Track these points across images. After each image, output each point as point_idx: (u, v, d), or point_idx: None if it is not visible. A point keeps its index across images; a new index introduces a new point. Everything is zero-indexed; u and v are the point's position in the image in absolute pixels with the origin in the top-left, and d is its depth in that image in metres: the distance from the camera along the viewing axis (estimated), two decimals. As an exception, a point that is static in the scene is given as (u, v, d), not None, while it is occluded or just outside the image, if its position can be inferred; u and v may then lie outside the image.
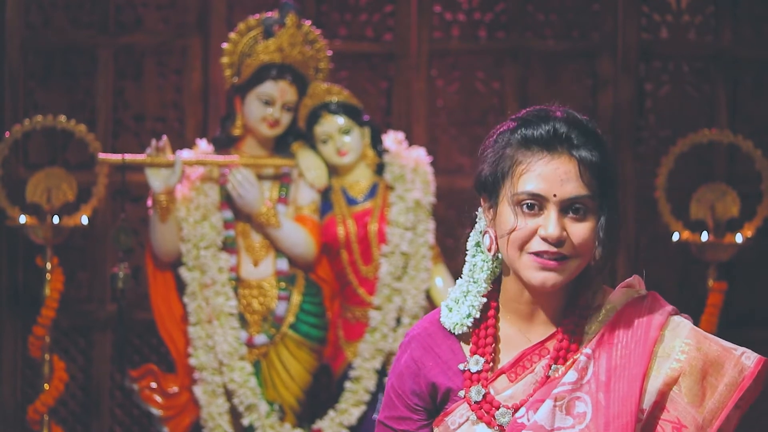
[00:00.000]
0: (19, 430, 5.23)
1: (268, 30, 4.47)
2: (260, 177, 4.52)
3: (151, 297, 4.57)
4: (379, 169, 4.58)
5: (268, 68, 4.44)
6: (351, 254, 4.55)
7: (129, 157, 4.48)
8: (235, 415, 4.47)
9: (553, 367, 1.98)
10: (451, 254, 5.02)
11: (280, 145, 4.56)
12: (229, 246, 4.49)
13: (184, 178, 4.46)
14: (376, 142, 4.58)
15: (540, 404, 1.95)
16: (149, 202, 4.48)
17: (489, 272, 2.05)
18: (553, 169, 1.93)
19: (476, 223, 2.07)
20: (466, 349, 2.05)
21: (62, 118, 4.77)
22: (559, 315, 2.02)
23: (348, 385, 4.51)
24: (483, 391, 2.00)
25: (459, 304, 2.06)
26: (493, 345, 2.03)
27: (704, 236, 4.84)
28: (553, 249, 1.92)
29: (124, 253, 4.44)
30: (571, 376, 1.95)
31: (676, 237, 4.88)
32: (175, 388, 4.55)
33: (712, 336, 2.00)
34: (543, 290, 1.96)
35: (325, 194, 4.57)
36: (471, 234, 2.07)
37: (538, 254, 1.93)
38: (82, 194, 4.86)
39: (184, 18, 5.37)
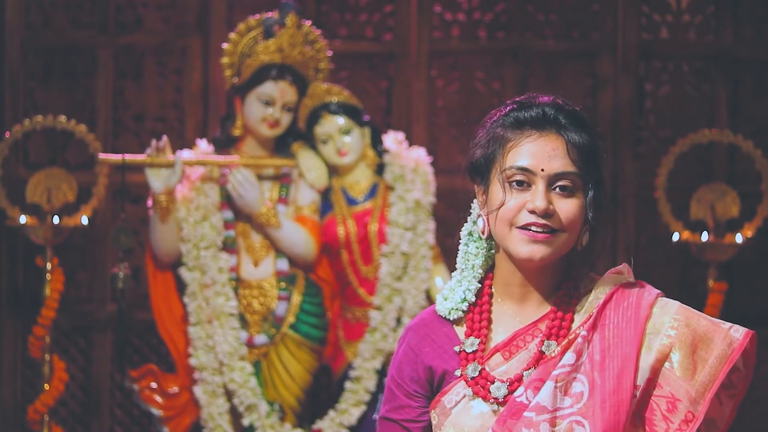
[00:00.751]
0: (19, 430, 5.23)
1: (268, 30, 4.47)
2: (260, 177, 4.52)
3: (151, 297, 4.57)
4: (379, 169, 4.58)
5: (268, 68, 4.44)
6: (351, 254, 4.55)
7: (129, 157, 4.48)
8: (235, 415, 4.47)
9: (546, 343, 2.04)
10: (451, 254, 4.98)
11: (280, 146, 4.56)
12: (229, 246, 4.49)
13: (184, 178, 4.46)
14: (376, 143, 4.58)
15: (540, 384, 1.99)
16: (149, 203, 4.48)
17: (483, 258, 2.12)
18: (542, 145, 2.02)
19: (471, 213, 2.14)
20: (461, 333, 2.10)
21: (62, 118, 4.77)
22: (551, 296, 2.08)
23: (348, 385, 4.51)
24: (479, 367, 2.05)
25: (454, 291, 2.13)
26: (488, 327, 2.09)
27: (704, 236, 4.84)
28: (541, 221, 1.99)
29: (124, 253, 4.44)
30: (570, 357, 2.00)
31: (676, 237, 4.88)
32: (175, 389, 4.56)
33: (700, 312, 2.05)
34: (531, 264, 2.03)
35: (326, 194, 4.57)
36: (465, 224, 2.15)
37: (526, 227, 2.00)
38: (82, 194, 4.86)
39: (184, 18, 5.37)
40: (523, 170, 2.01)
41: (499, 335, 2.08)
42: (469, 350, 2.07)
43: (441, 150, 5.37)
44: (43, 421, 4.71)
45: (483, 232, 2.09)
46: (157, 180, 4.39)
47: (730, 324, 2.03)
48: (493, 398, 2.02)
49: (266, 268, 4.53)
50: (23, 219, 4.72)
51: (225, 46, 4.53)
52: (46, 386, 4.69)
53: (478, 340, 2.07)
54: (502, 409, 2.01)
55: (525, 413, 1.98)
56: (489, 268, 2.13)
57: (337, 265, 4.58)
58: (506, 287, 2.09)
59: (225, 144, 4.56)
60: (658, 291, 2.07)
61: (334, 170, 4.58)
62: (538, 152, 2.01)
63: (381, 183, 4.58)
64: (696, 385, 1.98)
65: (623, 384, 1.96)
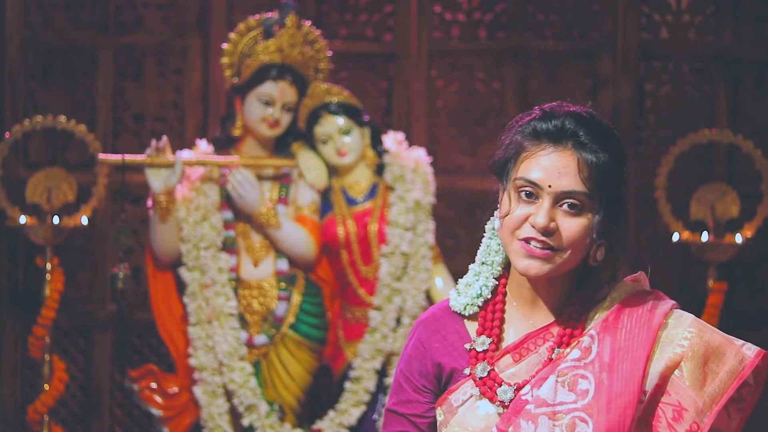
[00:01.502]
0: (19, 430, 5.23)
1: (268, 30, 4.47)
2: (260, 177, 4.52)
3: (151, 297, 4.57)
4: (379, 169, 4.58)
5: (268, 69, 4.44)
6: (351, 254, 4.55)
7: (129, 157, 4.48)
8: (235, 415, 4.47)
9: (557, 350, 2.02)
10: (451, 254, 5.02)
11: (280, 146, 4.56)
12: (229, 246, 4.49)
13: (184, 178, 4.45)
14: (376, 143, 4.58)
15: (543, 381, 1.99)
16: (149, 203, 4.48)
17: (503, 255, 2.10)
18: (554, 161, 1.99)
19: (498, 208, 2.12)
20: (473, 331, 2.09)
21: (62, 118, 4.77)
22: (562, 303, 2.07)
23: (348, 385, 4.51)
24: (488, 367, 2.04)
25: (469, 286, 2.12)
26: (500, 327, 2.08)
27: (704, 236, 4.84)
28: (540, 237, 1.97)
29: (124, 253, 4.44)
30: (575, 354, 2.00)
31: (676, 237, 4.88)
32: (175, 389, 4.55)
33: (714, 328, 2.04)
34: (528, 277, 2.02)
35: (325, 194, 4.57)
36: (491, 218, 2.13)
37: (526, 241, 1.99)
38: (82, 194, 4.86)
39: (184, 18, 5.37)
40: (531, 183, 1.99)
41: (510, 336, 2.07)
42: (479, 349, 2.06)
43: (441, 150, 5.37)
44: (43, 421, 4.71)
45: (497, 231, 2.08)
46: (157, 180, 4.39)
47: (743, 341, 2.02)
48: (500, 401, 2.01)
49: (266, 268, 4.53)
50: (23, 219, 4.72)
51: (225, 46, 4.53)
52: (46, 386, 4.69)
53: (489, 340, 2.06)
54: (507, 411, 2.01)
55: (526, 406, 1.98)
56: (505, 267, 2.12)
57: (337, 266, 4.58)
58: (519, 289, 2.08)
59: (225, 144, 4.56)
60: (674, 302, 2.06)
61: (333, 170, 4.58)
62: (549, 167, 1.98)
63: (381, 183, 4.58)
64: (704, 397, 1.98)
65: (631, 387, 1.96)
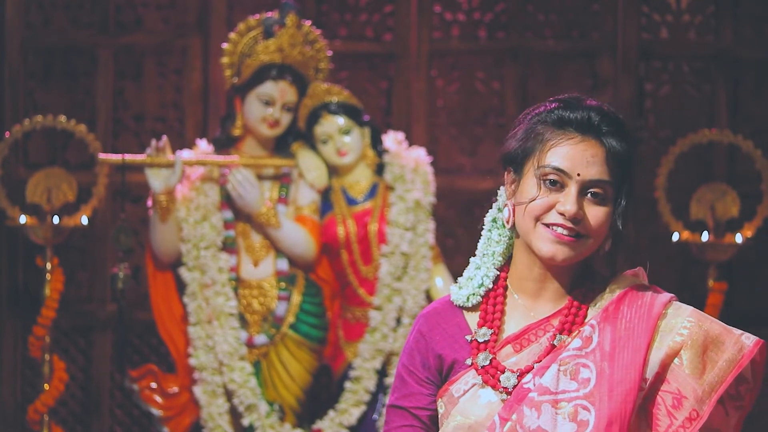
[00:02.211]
0: (19, 430, 5.23)
1: (268, 30, 4.47)
2: (260, 177, 4.52)
3: (151, 297, 4.57)
4: (379, 169, 4.58)
5: (268, 68, 4.44)
6: (351, 254, 4.55)
7: (129, 157, 4.48)
8: (235, 415, 4.47)
9: (558, 337, 2.04)
10: (451, 254, 5.02)
11: (280, 146, 4.56)
12: (229, 246, 4.49)
13: (184, 178, 4.45)
14: (376, 143, 4.58)
15: (545, 370, 2.01)
16: (149, 203, 4.48)
17: (504, 246, 2.13)
18: (582, 150, 2.02)
19: (497, 199, 2.14)
20: (473, 323, 2.11)
21: (62, 118, 4.77)
22: (566, 295, 2.09)
23: (348, 385, 4.51)
24: (490, 356, 2.06)
25: (470, 279, 2.13)
26: (500, 319, 2.10)
27: (704, 236, 4.84)
28: (568, 224, 2.01)
29: (124, 253, 4.44)
30: (576, 343, 2.02)
31: (676, 237, 4.88)
32: (175, 389, 4.55)
33: (713, 318, 2.06)
34: (552, 263, 2.04)
35: (325, 194, 4.57)
36: (489, 210, 2.14)
37: (552, 227, 2.01)
38: (82, 194, 4.86)
39: (184, 18, 5.37)
40: (559, 171, 2.01)
41: (510, 328, 2.09)
42: (480, 340, 2.08)
43: (441, 150, 5.37)
44: (43, 421, 4.71)
45: (507, 222, 2.09)
46: (157, 180, 4.39)
47: (742, 331, 2.04)
48: (503, 387, 2.03)
49: (266, 268, 4.53)
50: (23, 219, 4.72)
51: (225, 46, 4.53)
52: (46, 386, 4.69)
53: (490, 331, 2.08)
54: (510, 398, 2.02)
55: (529, 394, 2.00)
56: (506, 259, 2.14)
57: (337, 265, 4.58)
58: (521, 282, 2.10)
59: (225, 144, 4.56)
60: (672, 294, 2.08)
61: (334, 170, 4.58)
62: (576, 156, 2.02)
63: (381, 183, 4.58)
64: (704, 385, 1.99)
65: (631, 374, 1.97)
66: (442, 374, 2.10)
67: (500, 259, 2.13)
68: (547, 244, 2.02)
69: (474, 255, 2.16)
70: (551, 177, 2.02)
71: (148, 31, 5.37)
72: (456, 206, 5.36)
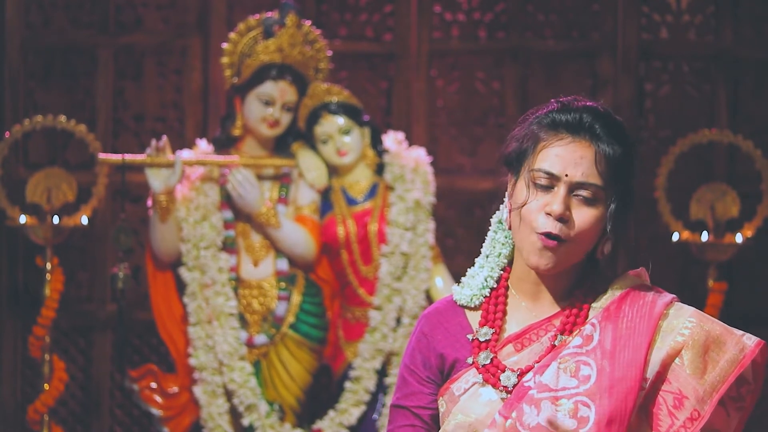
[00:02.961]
0: (19, 430, 5.23)
1: (268, 30, 4.47)
2: (260, 177, 4.52)
3: (151, 297, 4.57)
4: (379, 169, 4.58)
5: (268, 68, 4.44)
6: (351, 254, 4.55)
7: (129, 157, 4.48)
8: (235, 415, 4.47)
9: (560, 337, 2.05)
10: (451, 254, 5.02)
11: (280, 146, 4.56)
12: (229, 246, 4.49)
13: (184, 178, 4.45)
14: (376, 142, 4.58)
15: (546, 368, 2.01)
16: (149, 202, 4.48)
17: (510, 248, 2.13)
18: (571, 150, 2.02)
19: (504, 200, 2.14)
20: (475, 323, 2.11)
21: (62, 118, 4.77)
22: (565, 296, 2.09)
23: (348, 385, 4.51)
24: (491, 355, 2.06)
25: (473, 278, 2.14)
26: (502, 318, 2.10)
27: (704, 236, 4.84)
28: (556, 230, 1.99)
29: (124, 253, 4.44)
30: (577, 341, 2.02)
31: (676, 237, 4.88)
32: (175, 389, 4.55)
33: (715, 318, 2.06)
34: (538, 271, 2.04)
35: (325, 194, 4.57)
36: (497, 212, 2.15)
37: (546, 235, 2.00)
38: (82, 194, 4.86)
39: (184, 18, 5.37)
40: (548, 174, 2.01)
41: (512, 327, 2.09)
42: (482, 339, 2.08)
43: (441, 150, 5.36)
44: (43, 421, 4.71)
45: (506, 223, 2.10)
46: (157, 180, 4.39)
47: (743, 332, 2.04)
48: (503, 386, 2.03)
49: (266, 268, 4.53)
50: (23, 219, 4.72)
51: (225, 46, 4.53)
52: (46, 386, 4.69)
53: (492, 330, 2.08)
54: (510, 396, 2.02)
55: (528, 392, 2.00)
56: (509, 260, 2.14)
57: (337, 265, 4.58)
58: (521, 283, 2.10)
59: (225, 144, 4.56)
60: (674, 295, 2.08)
61: (333, 170, 4.58)
62: (566, 157, 2.01)
63: (381, 183, 4.58)
64: (705, 385, 1.99)
65: (632, 372, 1.97)
66: (444, 373, 2.11)
67: (504, 260, 2.13)
68: (534, 253, 2.02)
69: (477, 255, 2.16)
70: (542, 181, 2.02)
71: (148, 31, 5.37)
72: (456, 206, 5.36)
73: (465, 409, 2.05)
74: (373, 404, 4.51)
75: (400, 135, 4.71)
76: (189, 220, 4.44)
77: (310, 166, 4.54)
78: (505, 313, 2.10)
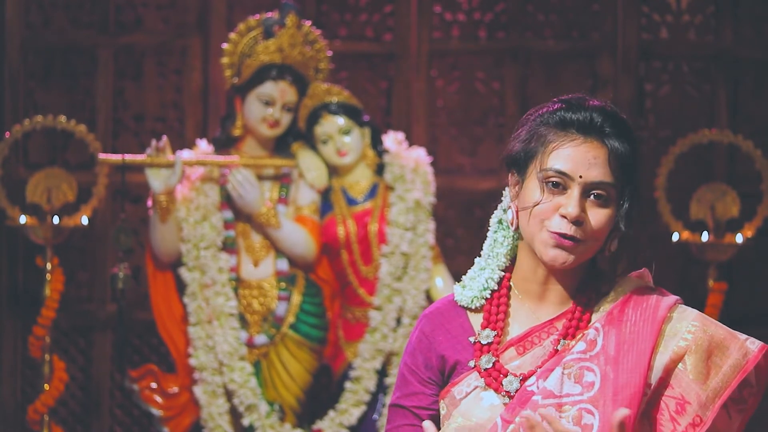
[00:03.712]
0: (19, 430, 5.23)
1: (268, 30, 4.47)
2: (260, 177, 4.52)
3: (151, 297, 4.57)
4: (379, 169, 4.58)
5: (268, 69, 4.44)
6: (351, 254, 4.55)
7: (129, 157, 4.48)
8: (235, 415, 4.47)
9: (562, 342, 2.03)
10: (451, 254, 5.02)
11: (280, 146, 4.56)
12: (229, 246, 4.49)
13: (184, 178, 4.45)
14: (376, 143, 4.58)
15: (549, 373, 2.00)
16: (149, 203, 4.48)
17: (509, 248, 2.12)
18: (584, 151, 2.01)
19: (502, 200, 2.13)
20: (477, 325, 2.10)
21: (62, 118, 4.77)
22: (571, 297, 2.08)
23: (348, 385, 4.51)
24: (493, 359, 2.05)
25: (474, 280, 2.13)
26: (504, 320, 2.09)
27: (704, 236, 4.84)
28: (571, 232, 1.99)
29: (124, 253, 4.44)
30: (580, 346, 2.01)
31: (676, 237, 4.88)
32: (175, 389, 4.55)
33: (718, 322, 2.05)
34: (553, 267, 2.03)
35: (325, 194, 4.57)
36: (495, 211, 2.14)
37: (560, 235, 2.00)
38: (82, 194, 4.86)
39: (184, 18, 5.37)
40: (562, 174, 2.00)
41: (514, 330, 2.08)
42: (484, 342, 2.07)
43: (441, 150, 5.37)
44: (43, 421, 4.71)
45: (512, 224, 2.08)
46: (157, 180, 4.39)
47: (747, 336, 2.04)
48: (505, 391, 2.02)
49: (266, 268, 4.53)
50: (23, 219, 4.72)
51: (225, 46, 4.53)
52: (46, 386, 4.69)
53: (494, 333, 2.07)
54: (512, 400, 2.01)
55: (533, 397, 1.99)
56: (511, 260, 2.13)
57: (337, 265, 4.58)
58: (525, 283, 2.09)
59: (225, 144, 4.56)
60: (677, 297, 2.08)
61: (334, 170, 4.58)
62: (579, 158, 2.01)
63: (381, 183, 4.58)
64: (708, 390, 1.98)
65: (635, 379, 1.97)
66: (444, 375, 2.10)
67: (504, 260, 2.12)
68: (549, 248, 2.00)
69: (477, 255, 2.16)
70: (554, 180, 2.01)
71: (148, 31, 5.37)
72: (456, 206, 5.36)
73: (466, 412, 2.05)
74: (373, 404, 4.51)
75: (400, 135, 4.71)
76: (189, 220, 4.44)
77: (310, 166, 4.54)
78: (506, 315, 2.09)
